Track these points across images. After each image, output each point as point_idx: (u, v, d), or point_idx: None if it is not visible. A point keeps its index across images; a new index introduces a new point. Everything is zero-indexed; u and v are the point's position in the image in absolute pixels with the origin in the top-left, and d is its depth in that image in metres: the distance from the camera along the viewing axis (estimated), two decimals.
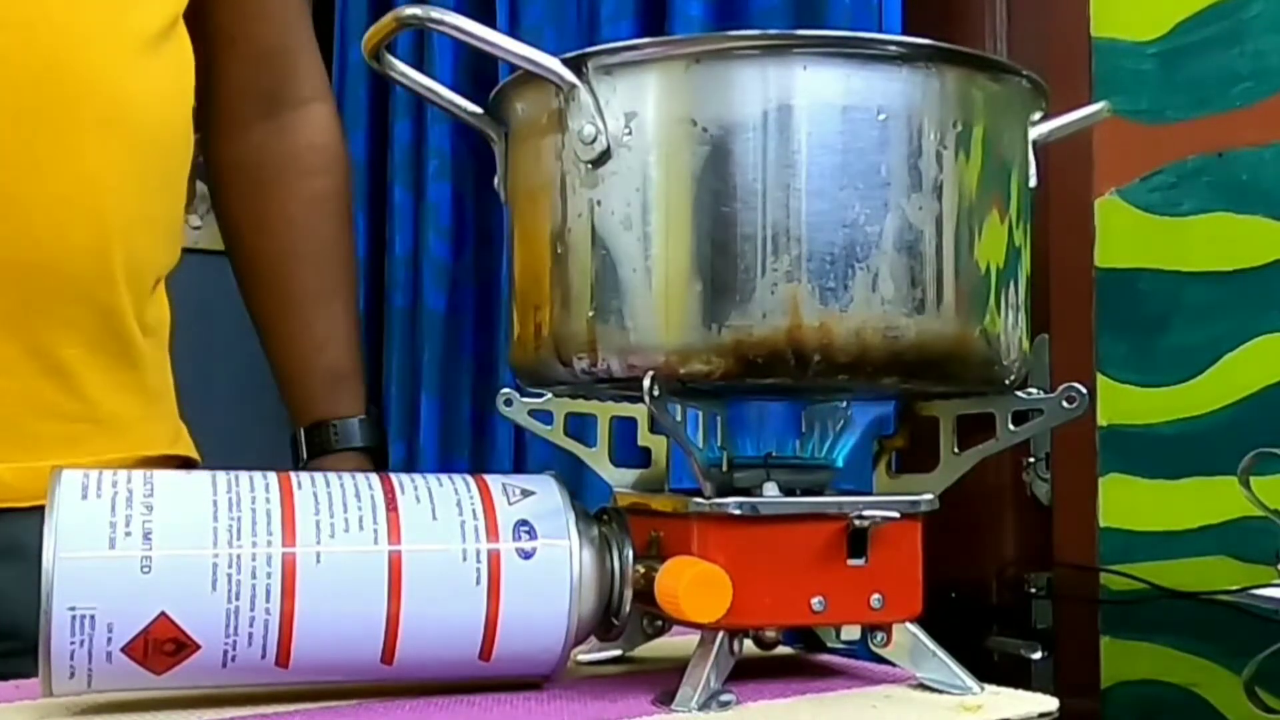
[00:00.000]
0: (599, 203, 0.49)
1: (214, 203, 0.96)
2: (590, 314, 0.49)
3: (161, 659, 0.44)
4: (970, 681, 0.50)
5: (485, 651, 0.48)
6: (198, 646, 0.44)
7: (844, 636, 0.52)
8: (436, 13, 0.49)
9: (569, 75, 0.48)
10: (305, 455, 0.93)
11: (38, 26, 0.69)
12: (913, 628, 0.51)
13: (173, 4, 0.78)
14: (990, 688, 0.51)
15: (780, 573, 0.49)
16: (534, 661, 0.49)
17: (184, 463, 0.82)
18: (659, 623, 0.54)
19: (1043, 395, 0.51)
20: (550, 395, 0.58)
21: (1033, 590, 1.05)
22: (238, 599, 0.45)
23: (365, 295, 1.65)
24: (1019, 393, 0.52)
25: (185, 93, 0.80)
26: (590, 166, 0.49)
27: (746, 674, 0.50)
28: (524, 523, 0.48)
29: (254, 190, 0.93)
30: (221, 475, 0.47)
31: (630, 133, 0.48)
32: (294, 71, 0.93)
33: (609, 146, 0.48)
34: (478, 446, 1.52)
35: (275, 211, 0.93)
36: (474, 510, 0.48)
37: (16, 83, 0.68)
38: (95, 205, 0.72)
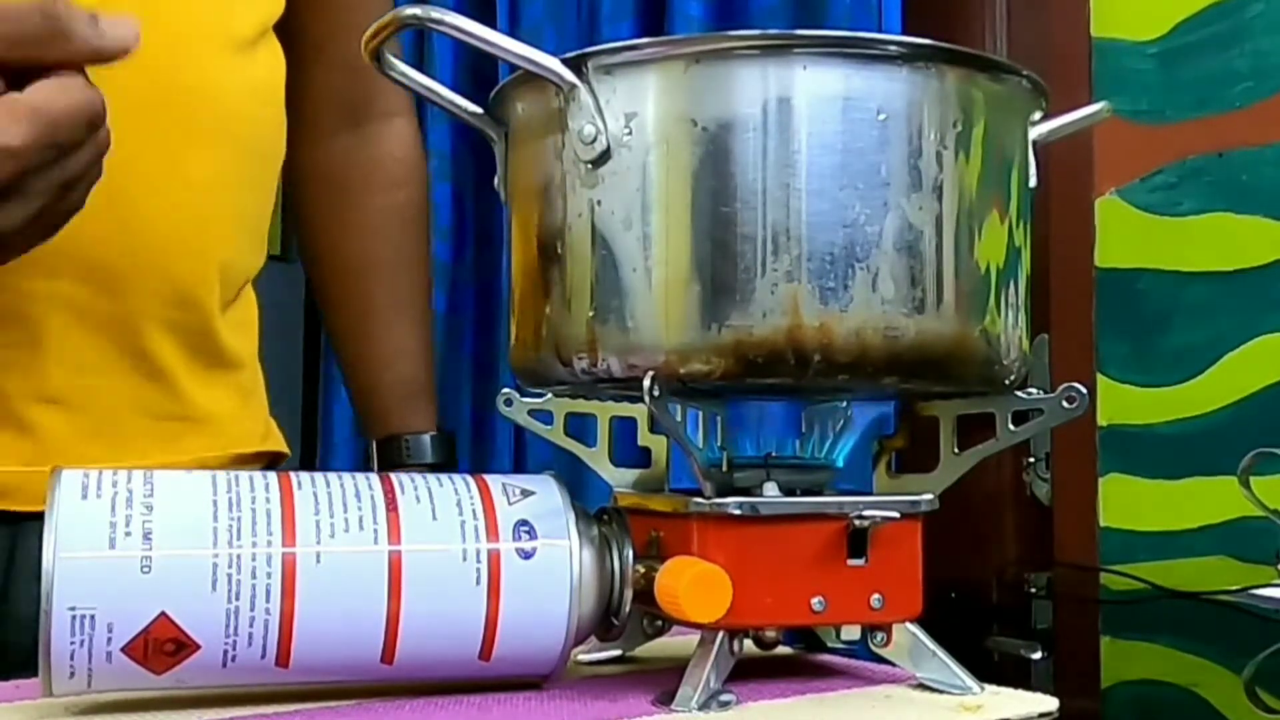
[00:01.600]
0: (599, 203, 0.49)
1: (294, 207, 0.96)
2: (590, 314, 0.49)
3: (161, 659, 0.44)
4: (970, 681, 0.50)
5: (485, 651, 0.48)
6: (198, 646, 0.44)
7: (844, 636, 0.52)
8: (436, 13, 0.49)
9: (569, 75, 0.48)
10: (376, 468, 0.93)
11: (143, 31, 0.70)
12: (913, 628, 0.51)
13: (267, 11, 0.79)
14: (990, 688, 0.51)
15: (780, 573, 0.49)
16: (534, 661, 0.49)
17: (275, 459, 0.83)
18: (659, 623, 0.54)
19: (1043, 395, 0.51)
20: (550, 395, 0.58)
21: (1033, 590, 1.05)
22: (238, 599, 0.45)
23: None
24: (1019, 393, 0.52)
25: (278, 98, 0.81)
26: (590, 166, 0.49)
27: (746, 674, 0.50)
28: (524, 523, 0.48)
29: (336, 198, 0.94)
30: (221, 475, 0.48)
31: (630, 133, 0.48)
32: (379, 84, 0.93)
33: (609, 146, 0.48)
34: (478, 446, 1.52)
35: (356, 220, 0.93)
36: (474, 510, 0.48)
37: (123, 87, 0.69)
38: (197, 209, 0.73)
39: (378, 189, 0.94)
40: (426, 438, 0.93)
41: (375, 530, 0.47)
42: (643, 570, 0.49)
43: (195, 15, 0.73)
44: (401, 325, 0.94)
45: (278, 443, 0.84)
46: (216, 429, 0.77)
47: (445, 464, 0.94)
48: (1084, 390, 0.50)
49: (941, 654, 0.51)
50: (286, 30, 0.82)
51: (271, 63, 0.80)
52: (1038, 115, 0.54)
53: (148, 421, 0.73)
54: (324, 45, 0.90)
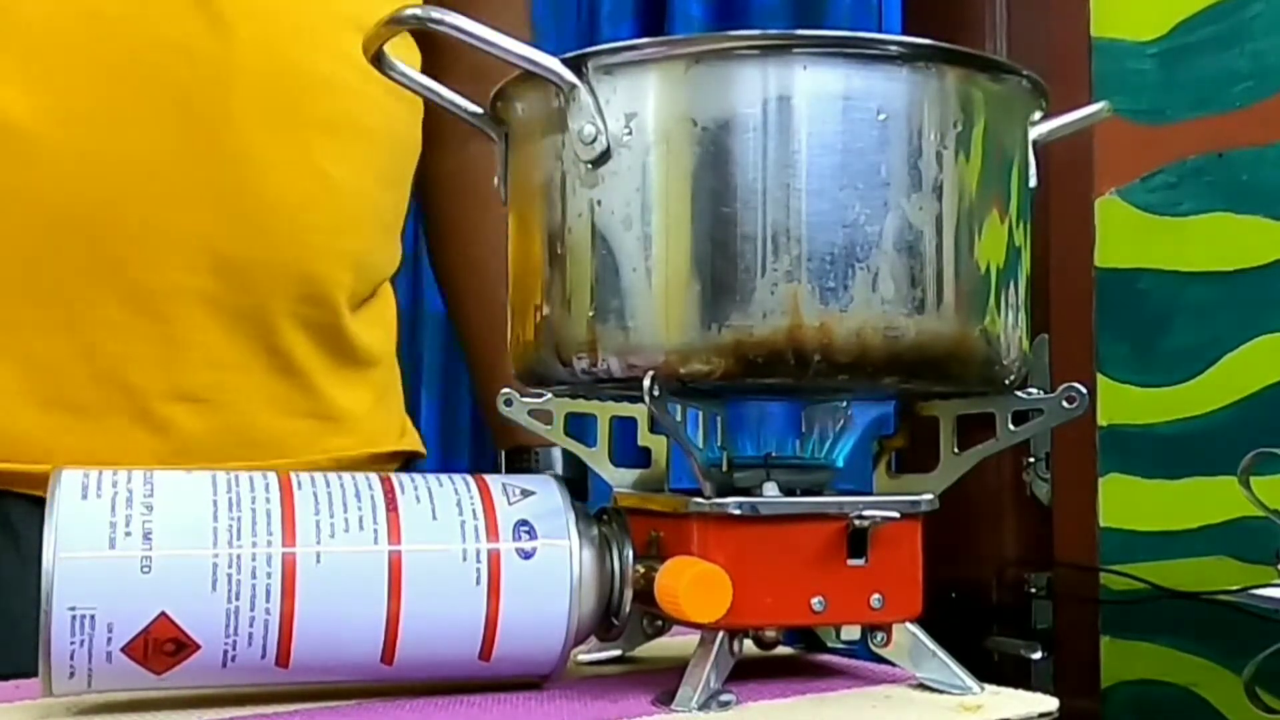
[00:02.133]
0: (599, 203, 0.49)
1: (426, 212, 0.96)
2: (590, 314, 0.49)
3: (161, 659, 0.44)
4: (970, 681, 0.50)
5: (485, 651, 0.48)
6: (198, 646, 0.44)
7: (844, 636, 0.52)
8: (437, 13, 0.49)
9: (569, 75, 0.48)
10: None
11: (274, 27, 0.70)
12: (913, 628, 0.51)
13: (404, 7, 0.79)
14: (990, 688, 0.51)
15: (780, 573, 0.49)
16: (534, 661, 0.49)
17: (411, 458, 0.83)
18: (659, 623, 0.54)
19: (1043, 395, 0.51)
20: (550, 395, 0.58)
21: (1033, 590, 1.05)
22: (238, 599, 0.44)
23: None
24: (1019, 393, 0.52)
25: (412, 98, 0.80)
26: (590, 166, 0.49)
27: (746, 674, 0.50)
28: (524, 523, 0.48)
29: (468, 202, 0.93)
30: (221, 475, 0.47)
31: (630, 133, 0.48)
32: None
33: (609, 146, 0.48)
34: (478, 446, 1.52)
35: (489, 229, 0.92)
36: (474, 510, 0.48)
37: (255, 76, 0.69)
38: (331, 203, 0.73)
39: None
40: (556, 450, 0.91)
41: (375, 530, 0.47)
42: (643, 570, 0.49)
43: (324, 12, 0.72)
44: None
45: (414, 442, 0.84)
46: (353, 427, 0.77)
47: (577, 479, 0.92)
48: (1084, 390, 0.50)
49: (941, 654, 0.51)
50: (423, 34, 0.81)
51: (407, 58, 0.80)
52: (1038, 115, 0.54)
53: (285, 419, 0.73)
54: (460, 52, 0.90)
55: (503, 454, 0.93)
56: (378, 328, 0.80)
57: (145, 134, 0.67)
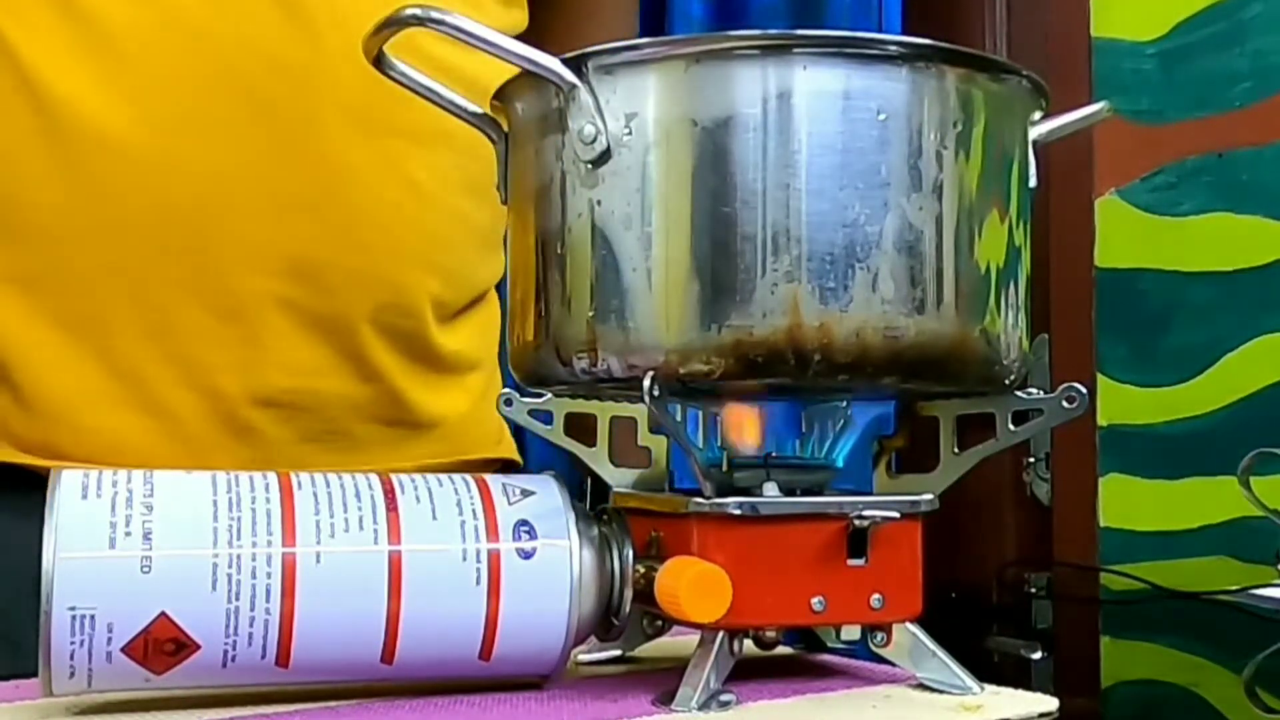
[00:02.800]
0: (599, 203, 0.49)
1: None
2: (590, 314, 0.49)
3: (161, 659, 0.44)
4: (970, 681, 0.50)
5: (485, 651, 0.48)
6: (198, 646, 0.44)
7: (844, 636, 0.52)
8: (437, 13, 0.49)
9: (569, 75, 0.48)
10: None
11: (362, 34, 0.70)
12: (913, 628, 0.51)
13: (506, 20, 0.79)
14: (990, 688, 0.51)
15: (780, 573, 0.49)
16: (534, 661, 0.49)
17: (506, 466, 0.82)
18: (659, 623, 0.54)
19: (1043, 395, 0.51)
20: (550, 395, 0.58)
21: (1033, 590, 1.05)
22: (238, 599, 0.44)
23: None
24: (1019, 393, 0.52)
25: None
26: (590, 166, 0.49)
27: (746, 674, 0.50)
28: (524, 523, 0.48)
29: None
30: (221, 475, 0.47)
31: (630, 133, 0.48)
32: None
33: (609, 146, 0.48)
34: None
35: None
36: (474, 510, 0.48)
37: (346, 91, 0.69)
38: (417, 212, 0.73)
39: None
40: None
41: (375, 530, 0.47)
42: (643, 570, 0.49)
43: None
44: None
45: (510, 450, 0.84)
46: (442, 434, 0.76)
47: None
48: (1084, 390, 0.50)
49: (941, 654, 0.51)
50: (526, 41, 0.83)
51: (502, 67, 0.79)
52: (1038, 115, 0.54)
53: (369, 426, 0.73)
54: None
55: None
56: (475, 335, 0.80)
57: (233, 142, 0.68)
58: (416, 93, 0.57)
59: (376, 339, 0.72)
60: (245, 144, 0.68)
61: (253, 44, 0.68)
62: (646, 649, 0.57)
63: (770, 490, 0.51)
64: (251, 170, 0.68)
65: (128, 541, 0.44)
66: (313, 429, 0.71)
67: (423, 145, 0.73)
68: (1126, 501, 1.31)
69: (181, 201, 0.67)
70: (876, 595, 0.50)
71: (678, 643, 0.55)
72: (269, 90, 0.68)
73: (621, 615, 0.50)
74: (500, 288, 1.50)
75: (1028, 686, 0.51)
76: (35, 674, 0.44)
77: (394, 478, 0.49)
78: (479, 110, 0.56)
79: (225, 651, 0.45)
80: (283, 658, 0.45)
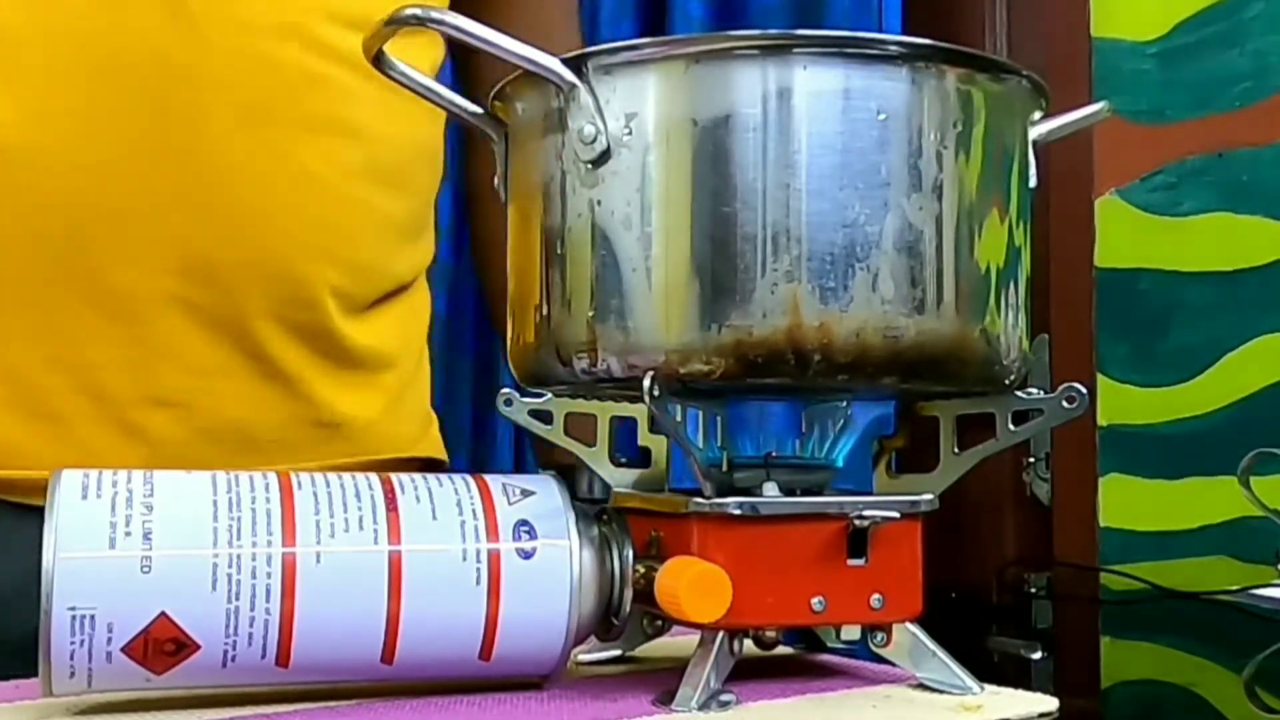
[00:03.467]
0: (599, 203, 0.49)
1: (469, 225, 0.94)
2: (590, 314, 0.49)
3: (161, 659, 0.44)
4: (970, 681, 0.50)
5: (485, 651, 0.48)
6: (198, 646, 0.44)
7: (844, 636, 0.52)
8: (437, 13, 0.49)
9: (569, 75, 0.48)
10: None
11: (246, 27, 0.68)
12: (913, 628, 0.51)
13: None
14: (990, 688, 0.51)
15: (780, 573, 0.49)
16: (534, 661, 0.49)
17: (427, 464, 0.80)
18: (659, 623, 0.54)
19: (1043, 395, 0.51)
20: (550, 395, 0.58)
21: (1033, 590, 1.05)
22: (238, 599, 0.44)
23: None
24: (1019, 393, 0.52)
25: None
26: (590, 166, 0.49)
27: (746, 674, 0.50)
28: (524, 523, 0.48)
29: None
30: (221, 475, 0.47)
31: (630, 132, 0.48)
32: None
33: (609, 146, 0.48)
34: (478, 446, 1.52)
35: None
36: (474, 510, 0.48)
37: (231, 85, 0.68)
38: (314, 206, 0.71)
39: None
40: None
41: (375, 530, 0.47)
42: (643, 570, 0.49)
43: (317, 2, 0.71)
44: None
45: (434, 448, 0.82)
46: (351, 434, 0.75)
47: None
48: (1084, 390, 0.50)
49: (941, 654, 0.51)
50: None
51: (420, 55, 0.76)
52: (1038, 115, 0.54)
53: (272, 427, 0.71)
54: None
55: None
56: (392, 330, 0.78)
57: (117, 138, 0.66)
58: (416, 92, 0.56)
59: (278, 335, 0.70)
60: (129, 140, 0.66)
61: (135, 38, 0.66)
62: (646, 649, 0.57)
63: (770, 490, 0.51)
64: (136, 166, 0.66)
65: (128, 541, 0.44)
66: (210, 430, 0.69)
67: (318, 134, 0.71)
68: (1126, 501, 1.31)
69: (65, 200, 0.66)
70: (876, 595, 0.50)
71: (678, 643, 0.55)
72: (153, 85, 0.67)
73: (621, 615, 0.50)
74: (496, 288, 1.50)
75: (1028, 686, 0.51)
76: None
77: (394, 478, 0.49)
78: (479, 110, 0.56)
79: (225, 651, 0.45)
80: (283, 658, 0.45)
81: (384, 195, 0.76)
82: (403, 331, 0.80)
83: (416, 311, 0.82)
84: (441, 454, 0.83)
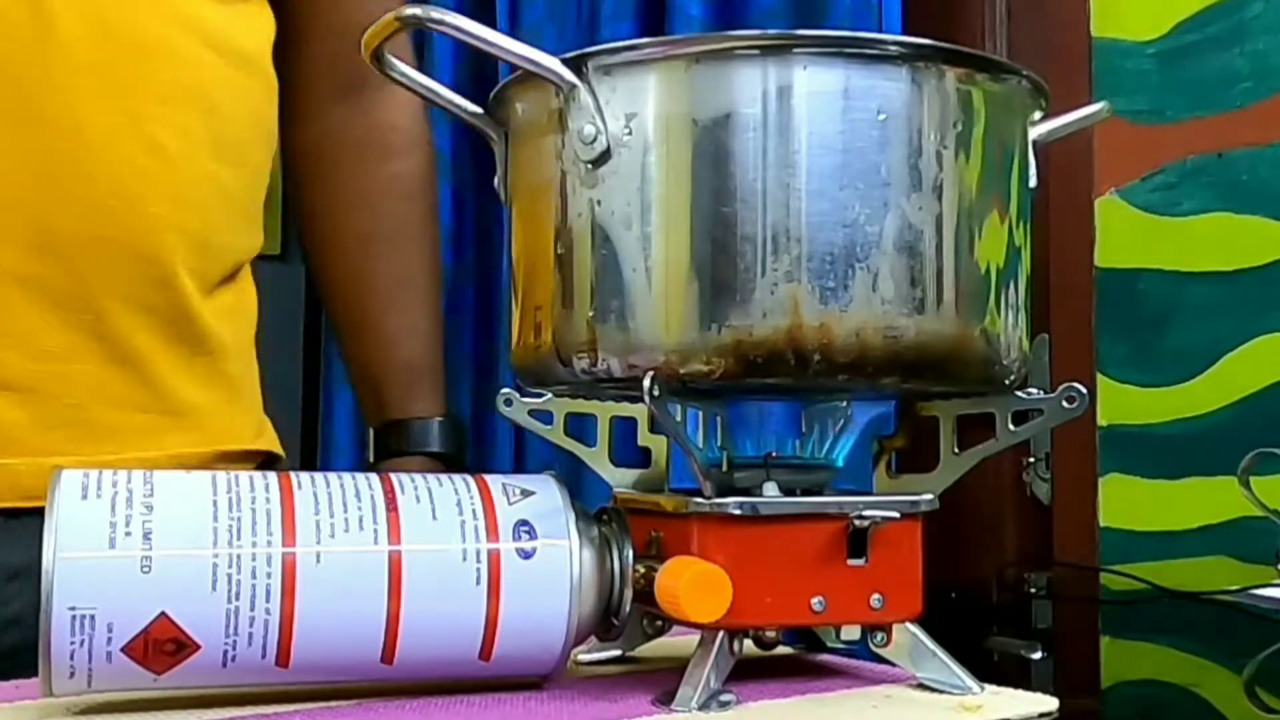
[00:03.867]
0: (599, 203, 0.49)
1: (290, 188, 0.91)
2: (590, 314, 0.49)
3: (161, 659, 0.44)
4: (970, 681, 0.50)
5: (485, 651, 0.48)
6: (198, 646, 0.44)
7: (844, 636, 0.52)
8: (436, 13, 0.49)
9: (569, 75, 0.48)
10: (373, 457, 0.88)
11: None
12: (913, 628, 0.51)
13: None
14: (990, 688, 0.51)
15: (780, 573, 0.49)
16: (534, 661, 0.49)
17: (268, 459, 0.78)
18: (659, 623, 0.54)
19: (1043, 395, 0.51)
20: (550, 395, 0.58)
21: (1033, 590, 1.05)
22: (238, 599, 0.44)
23: None
24: (1019, 393, 0.52)
25: (262, 66, 0.76)
26: (590, 166, 0.49)
27: (746, 674, 0.50)
28: (524, 523, 0.48)
29: (331, 173, 0.89)
30: (221, 475, 0.47)
31: (630, 132, 0.48)
32: None
33: (609, 146, 0.48)
34: (478, 446, 1.52)
35: (354, 195, 0.89)
36: (474, 510, 0.48)
37: (81, 51, 0.66)
38: (165, 177, 0.69)
39: (376, 160, 0.89)
40: (434, 423, 0.87)
41: (375, 530, 0.47)
42: (643, 570, 0.49)
43: None
44: (405, 304, 0.89)
45: (271, 442, 0.80)
46: (198, 422, 0.72)
47: (453, 453, 0.88)
48: (1084, 390, 0.50)
49: (941, 654, 0.51)
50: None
51: (253, 25, 0.75)
52: (1038, 115, 0.54)
53: (119, 413, 0.68)
54: (317, 10, 0.85)
55: (372, 431, 0.88)
56: (233, 318, 0.75)
57: None
58: (416, 92, 0.56)
59: (131, 317, 0.68)
60: None
61: None
62: (646, 649, 0.57)
63: (770, 490, 0.51)
64: None
65: (128, 541, 0.44)
66: (56, 416, 0.66)
67: (167, 105, 0.69)
68: (1126, 501, 1.31)
69: None
70: (876, 595, 0.50)
71: (678, 643, 0.55)
72: (1, 50, 0.64)
73: (621, 615, 0.50)
74: (496, 287, 1.50)
75: (1028, 686, 0.51)
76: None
77: (394, 477, 0.49)
78: (479, 110, 0.56)
79: (225, 651, 0.45)
80: (283, 658, 0.45)
81: (225, 169, 0.73)
82: (241, 318, 0.78)
83: (248, 299, 0.79)
84: (279, 449, 0.81)
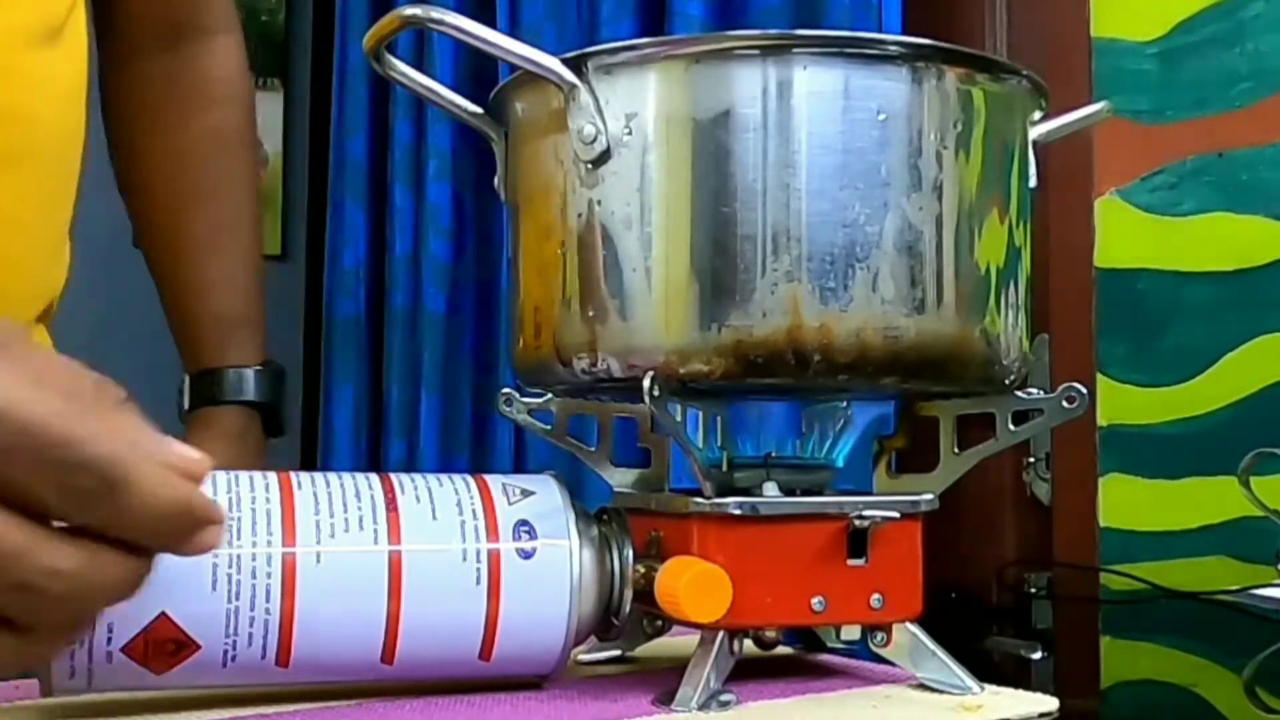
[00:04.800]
0: (599, 203, 0.49)
1: (107, 134, 0.89)
2: (590, 314, 0.49)
3: (161, 659, 0.44)
4: (970, 681, 0.50)
5: (485, 651, 0.48)
6: (198, 646, 0.44)
7: (844, 636, 0.52)
8: (436, 13, 0.49)
9: (569, 75, 0.48)
10: (187, 405, 0.86)
11: None
12: (913, 628, 0.51)
13: None
14: (990, 688, 0.51)
15: (780, 573, 0.49)
16: (534, 661, 0.49)
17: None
18: (659, 623, 0.54)
19: (1043, 395, 0.51)
20: (550, 395, 0.58)
21: (1033, 590, 1.05)
22: (238, 599, 0.44)
23: (366, 296, 1.65)
24: (1019, 393, 0.52)
25: (78, 96, 0.73)
26: (590, 166, 0.49)
27: (746, 674, 0.50)
28: (524, 523, 0.48)
29: (151, 122, 0.87)
30: (222, 475, 0.47)
31: (630, 132, 0.48)
32: (201, 0, 0.87)
33: (609, 146, 0.48)
34: (478, 446, 1.52)
35: (170, 145, 0.87)
36: (474, 510, 0.48)
37: None
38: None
39: (194, 111, 0.87)
40: (249, 371, 0.85)
41: (375, 530, 0.47)
42: (643, 570, 0.49)
43: None
44: (222, 253, 0.87)
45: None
46: None
47: (270, 402, 0.86)
48: (1084, 390, 0.50)
49: (941, 654, 0.51)
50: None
51: (75, 55, 0.71)
52: (1038, 115, 0.54)
53: None
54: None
55: (187, 378, 0.86)
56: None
57: None
58: (416, 92, 0.56)
59: None
60: None
61: None
62: (646, 649, 0.57)
63: (770, 490, 0.51)
64: None
65: None
66: None
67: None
68: (1126, 501, 1.31)
69: None
70: (876, 595, 0.50)
71: (678, 643, 0.55)
72: None
73: (621, 615, 0.50)
74: (496, 287, 1.50)
75: (1028, 686, 0.51)
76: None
77: (394, 477, 0.49)
78: (479, 110, 0.56)
79: (225, 651, 0.45)
80: (283, 658, 0.45)
81: (51, 211, 0.71)
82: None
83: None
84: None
